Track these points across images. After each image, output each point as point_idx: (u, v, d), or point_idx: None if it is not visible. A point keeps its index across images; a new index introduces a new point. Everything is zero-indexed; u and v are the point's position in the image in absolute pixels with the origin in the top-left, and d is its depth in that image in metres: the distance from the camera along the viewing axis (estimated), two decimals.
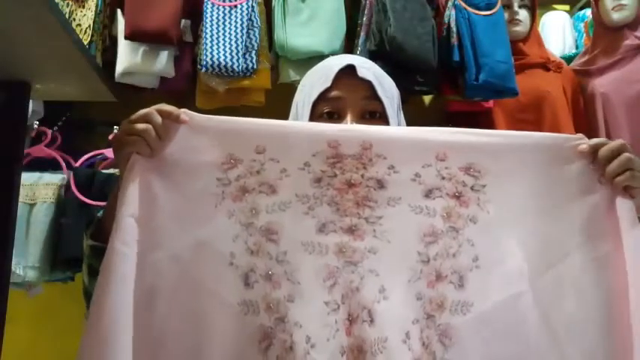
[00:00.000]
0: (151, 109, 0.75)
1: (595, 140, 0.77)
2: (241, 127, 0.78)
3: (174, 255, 0.74)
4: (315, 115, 0.90)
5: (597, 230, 0.76)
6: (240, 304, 0.74)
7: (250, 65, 1.74)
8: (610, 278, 0.74)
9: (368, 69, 0.91)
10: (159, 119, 0.74)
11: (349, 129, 0.81)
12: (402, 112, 0.96)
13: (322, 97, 0.89)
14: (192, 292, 0.74)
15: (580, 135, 0.79)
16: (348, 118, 0.88)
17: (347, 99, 0.89)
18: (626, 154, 0.75)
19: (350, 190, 0.76)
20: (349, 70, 0.89)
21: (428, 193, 0.77)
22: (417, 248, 0.75)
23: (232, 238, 0.76)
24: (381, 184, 0.77)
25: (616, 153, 0.76)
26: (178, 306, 0.73)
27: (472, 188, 0.77)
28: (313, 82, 0.92)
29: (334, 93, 0.89)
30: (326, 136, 0.77)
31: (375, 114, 0.89)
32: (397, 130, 0.85)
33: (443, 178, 0.77)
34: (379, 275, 0.74)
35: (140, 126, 0.73)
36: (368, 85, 0.89)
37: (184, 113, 0.76)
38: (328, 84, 0.89)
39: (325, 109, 0.89)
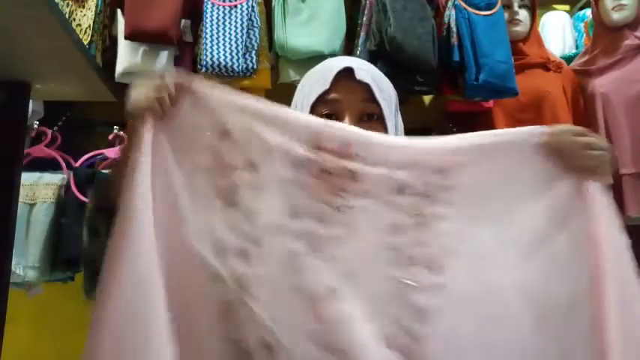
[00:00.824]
0: (165, 75, 0.79)
1: (556, 129, 0.80)
2: (240, 101, 0.81)
3: (160, 221, 0.75)
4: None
5: (569, 216, 0.78)
6: (209, 276, 0.76)
7: (250, 65, 1.74)
8: (587, 260, 0.75)
9: (366, 71, 0.92)
10: (172, 86, 0.78)
11: (334, 125, 0.83)
12: (399, 113, 0.97)
13: (321, 99, 0.90)
14: (168, 256, 0.75)
15: (542, 128, 0.82)
16: (346, 120, 0.89)
17: (345, 101, 0.90)
18: (584, 139, 0.78)
19: (325, 178, 0.79)
20: (347, 73, 0.90)
21: (400, 190, 0.79)
22: (386, 239, 0.77)
23: (214, 211, 0.78)
24: (355, 177, 0.79)
25: (576, 139, 0.79)
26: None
27: (442, 187, 0.80)
28: (312, 84, 0.93)
29: (332, 95, 0.90)
30: (312, 126, 0.80)
31: (373, 116, 0.90)
32: (377, 135, 0.86)
33: (415, 177, 0.80)
34: (347, 262, 0.76)
35: (156, 90, 0.77)
36: (366, 88, 0.90)
37: (195, 82, 0.80)
38: (327, 86, 0.90)
39: (324, 111, 0.90)
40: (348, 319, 0.73)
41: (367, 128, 0.87)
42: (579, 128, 0.80)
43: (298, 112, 0.91)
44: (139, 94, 0.78)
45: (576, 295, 0.75)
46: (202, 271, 0.76)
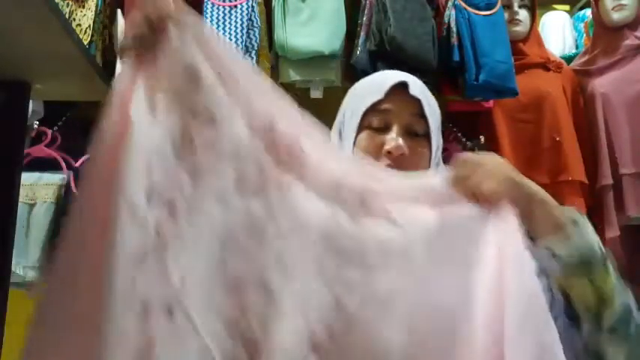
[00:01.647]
0: (148, 6, 0.74)
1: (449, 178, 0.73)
2: (221, 51, 0.76)
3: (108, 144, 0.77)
4: (363, 124, 0.92)
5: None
6: (133, 216, 0.70)
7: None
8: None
9: (419, 87, 0.93)
10: (156, 17, 0.73)
11: (295, 115, 0.77)
12: (440, 131, 0.96)
13: (373, 108, 0.91)
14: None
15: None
16: (394, 129, 0.89)
17: (396, 113, 0.91)
18: (465, 170, 0.71)
19: (276, 155, 0.73)
20: (401, 87, 0.91)
21: (338, 188, 0.73)
22: (323, 232, 0.71)
23: (157, 151, 0.72)
24: (302, 165, 0.73)
25: (464, 174, 0.72)
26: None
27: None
28: (366, 92, 0.94)
29: (385, 105, 0.91)
30: (270, 112, 0.74)
31: (419, 133, 0.91)
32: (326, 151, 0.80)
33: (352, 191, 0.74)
34: (282, 251, 0.70)
35: (133, 28, 0.74)
36: (417, 104, 0.91)
37: (184, 13, 0.74)
38: (381, 96, 0.91)
39: (374, 119, 0.91)
40: (271, 312, 0.68)
41: (412, 145, 0.88)
42: (460, 161, 0.72)
43: (276, 94, 0.82)
44: (124, 36, 0.76)
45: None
46: (132, 207, 0.70)
